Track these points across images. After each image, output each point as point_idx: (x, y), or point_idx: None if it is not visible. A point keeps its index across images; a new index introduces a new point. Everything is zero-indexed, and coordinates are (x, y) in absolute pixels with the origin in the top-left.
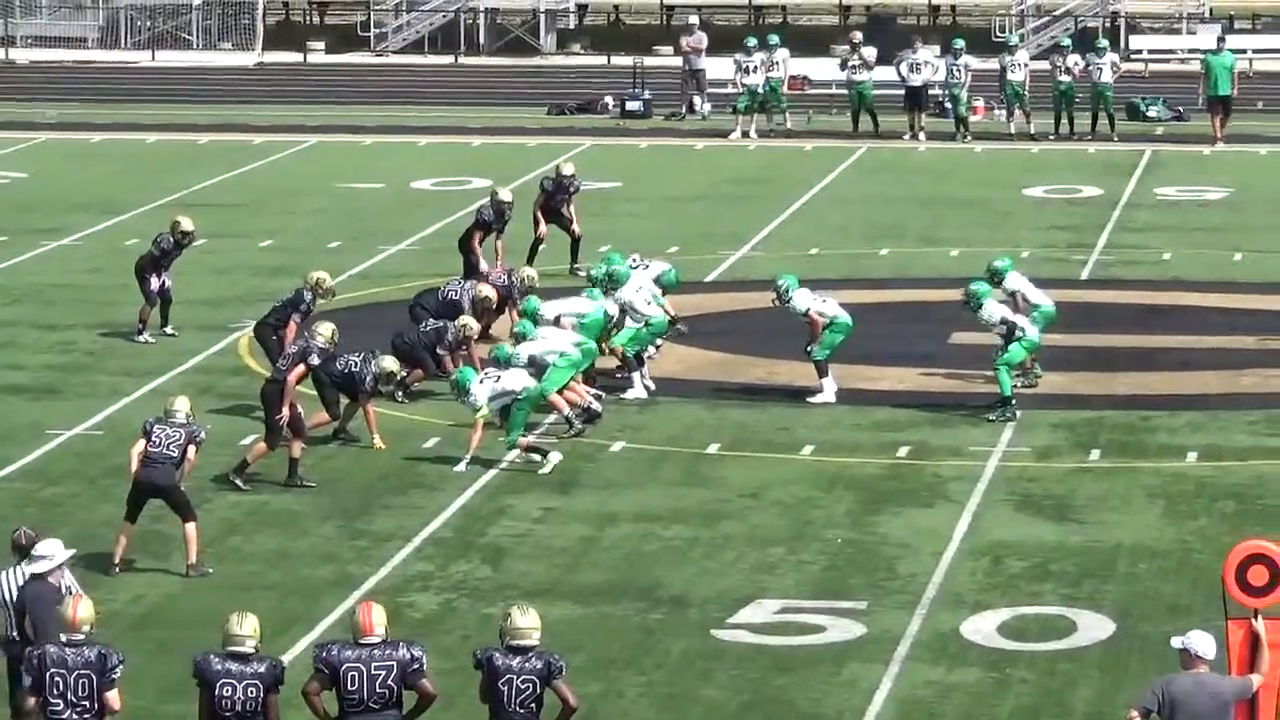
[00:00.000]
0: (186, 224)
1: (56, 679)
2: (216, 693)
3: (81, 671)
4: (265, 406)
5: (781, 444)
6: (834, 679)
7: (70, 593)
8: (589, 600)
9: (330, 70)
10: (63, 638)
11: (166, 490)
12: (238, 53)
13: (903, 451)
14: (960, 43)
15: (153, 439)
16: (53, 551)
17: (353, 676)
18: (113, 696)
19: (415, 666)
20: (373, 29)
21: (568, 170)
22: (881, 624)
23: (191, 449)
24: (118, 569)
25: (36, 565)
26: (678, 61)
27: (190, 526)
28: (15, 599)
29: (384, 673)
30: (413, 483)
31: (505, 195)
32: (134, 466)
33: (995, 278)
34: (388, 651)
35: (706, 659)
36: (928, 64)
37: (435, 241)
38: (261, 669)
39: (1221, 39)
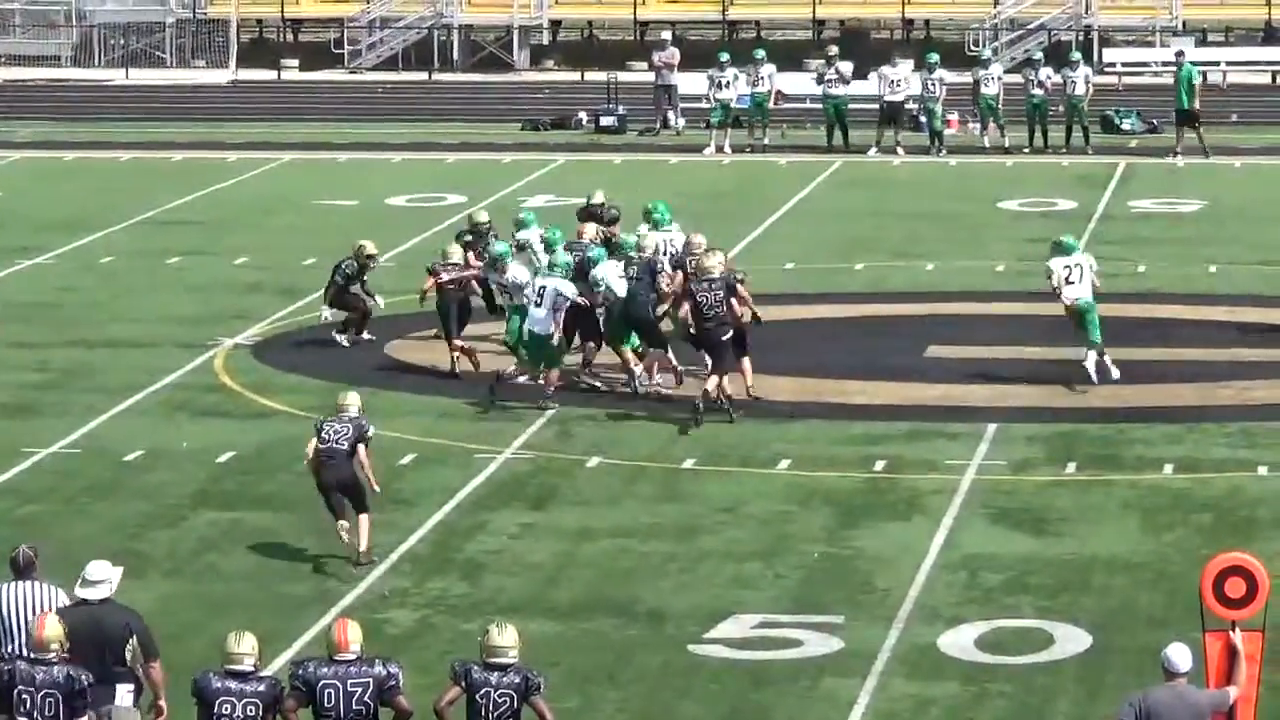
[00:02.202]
0: (370, 247)
1: (24, 696)
2: (216, 710)
3: (49, 691)
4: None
5: (758, 459)
6: (811, 693)
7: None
8: (566, 616)
9: (304, 87)
10: (30, 654)
11: (346, 484)
12: (212, 70)
13: (879, 465)
14: (934, 57)
15: (323, 436)
16: (109, 575)
17: (329, 693)
18: None
19: (391, 683)
20: (346, 46)
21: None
22: (859, 638)
23: (361, 447)
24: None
25: (95, 590)
26: (651, 77)
27: (364, 518)
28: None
29: (360, 689)
30: (388, 499)
31: (370, 248)
32: (314, 466)
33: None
34: (364, 668)
35: (683, 674)
36: (906, 79)
37: (410, 258)
38: (261, 688)
39: (1180, 53)
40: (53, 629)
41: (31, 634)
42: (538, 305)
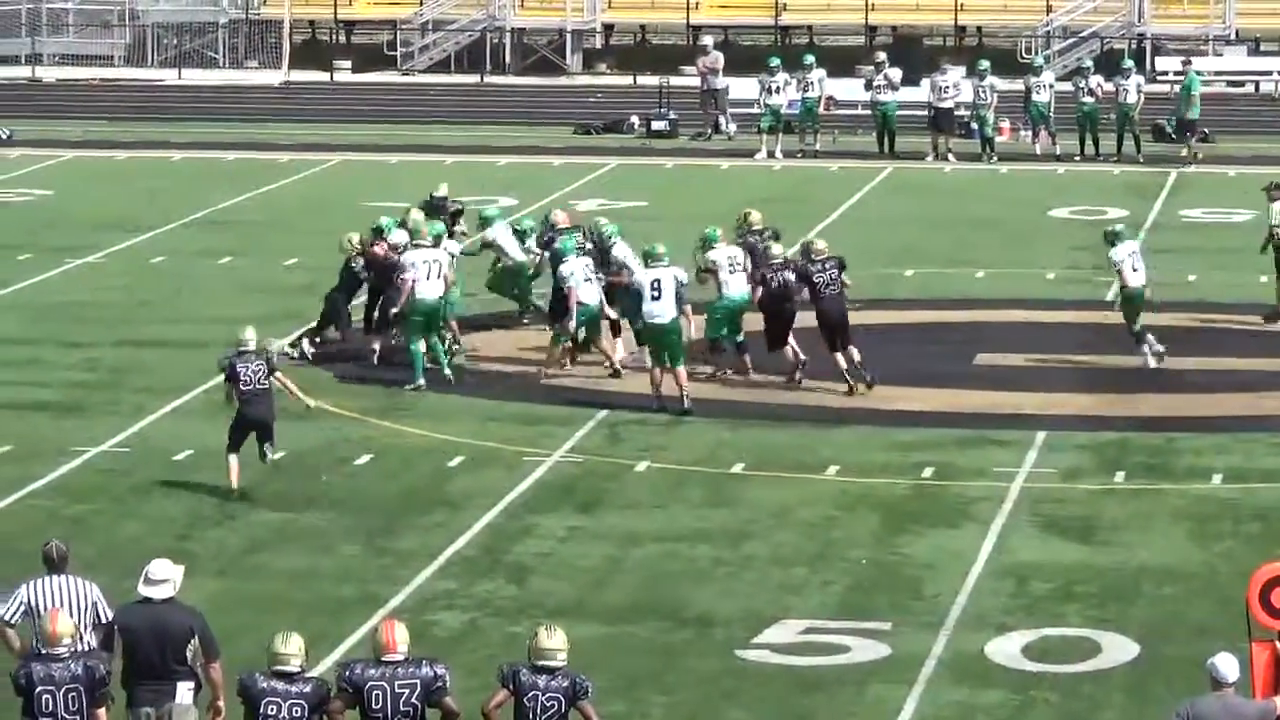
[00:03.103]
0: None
1: (45, 697)
2: (261, 711)
3: (70, 686)
4: None
5: (806, 464)
6: (858, 700)
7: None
8: (613, 620)
9: (356, 89)
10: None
11: (266, 421)
12: (264, 71)
13: (927, 472)
14: (985, 64)
15: (244, 378)
16: (171, 574)
17: (377, 695)
18: (102, 714)
19: (439, 685)
20: (399, 48)
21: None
22: (906, 645)
23: (277, 375)
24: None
25: (158, 589)
26: (698, 82)
27: (268, 446)
28: (148, 624)
29: (407, 691)
30: (438, 501)
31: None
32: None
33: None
34: (411, 670)
35: (731, 679)
36: (956, 86)
37: (461, 261)
38: (307, 689)
39: (1186, 61)
40: (64, 624)
41: (45, 629)
42: (656, 298)
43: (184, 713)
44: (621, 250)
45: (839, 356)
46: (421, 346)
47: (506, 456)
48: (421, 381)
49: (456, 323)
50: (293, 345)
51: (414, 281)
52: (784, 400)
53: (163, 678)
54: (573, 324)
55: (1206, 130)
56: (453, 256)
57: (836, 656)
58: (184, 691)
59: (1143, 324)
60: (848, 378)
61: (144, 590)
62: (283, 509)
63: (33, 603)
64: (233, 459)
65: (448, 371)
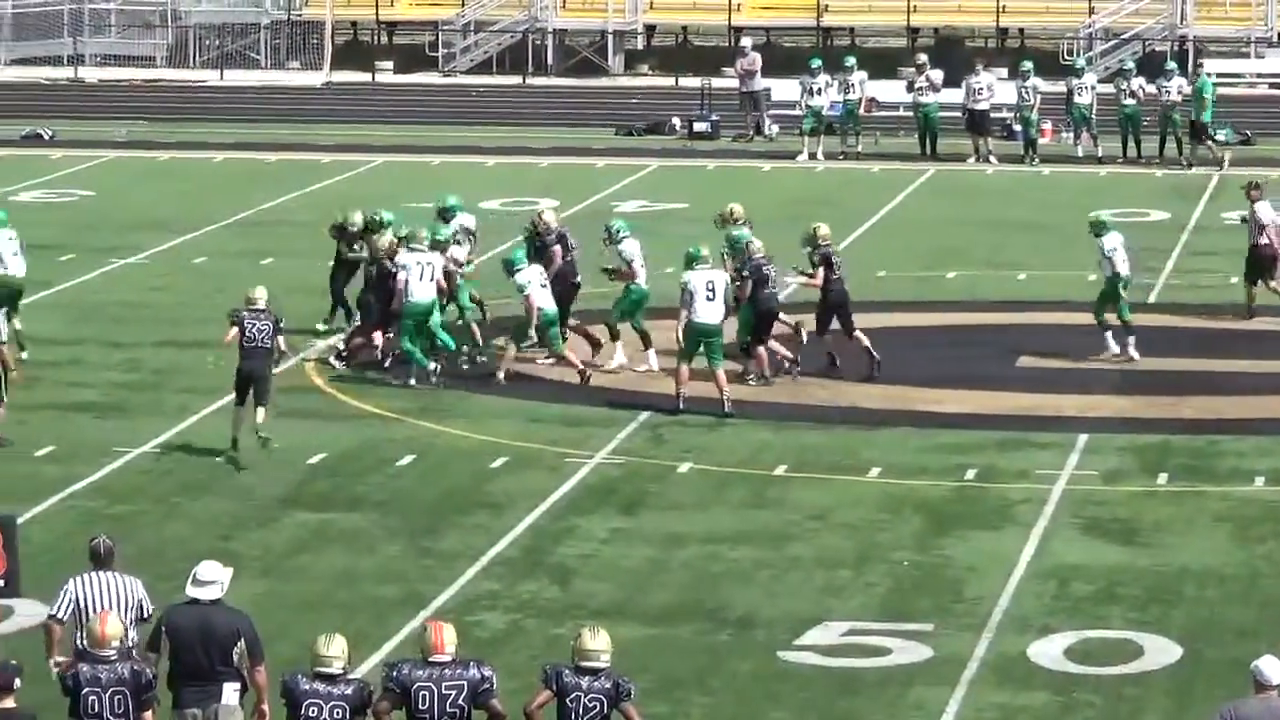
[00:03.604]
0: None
1: (91, 698)
2: (302, 712)
3: (116, 689)
4: None
5: (848, 466)
6: (900, 701)
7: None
8: (656, 621)
9: (398, 90)
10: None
11: (262, 376)
12: (306, 72)
13: (970, 474)
14: (1028, 65)
15: (248, 333)
16: (219, 575)
17: (423, 696)
18: (148, 717)
19: (485, 686)
20: (441, 49)
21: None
22: (948, 646)
23: (280, 339)
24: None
25: (206, 590)
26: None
27: (261, 410)
28: (187, 626)
29: (454, 692)
30: (480, 502)
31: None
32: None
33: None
34: (458, 671)
35: (773, 680)
36: (990, 88)
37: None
38: (349, 691)
39: (1199, 64)
40: (113, 626)
41: (93, 631)
42: (711, 299)
43: (229, 714)
44: (630, 247)
45: (858, 336)
46: (413, 344)
47: (549, 458)
48: (432, 364)
49: (476, 326)
50: (339, 357)
51: (406, 283)
52: (826, 402)
53: (209, 679)
54: (532, 330)
55: (1249, 132)
56: (459, 264)
57: (878, 658)
58: (230, 693)
59: (1128, 316)
60: (872, 355)
61: (192, 591)
62: (325, 510)
63: (82, 599)
64: (238, 410)
65: (433, 366)
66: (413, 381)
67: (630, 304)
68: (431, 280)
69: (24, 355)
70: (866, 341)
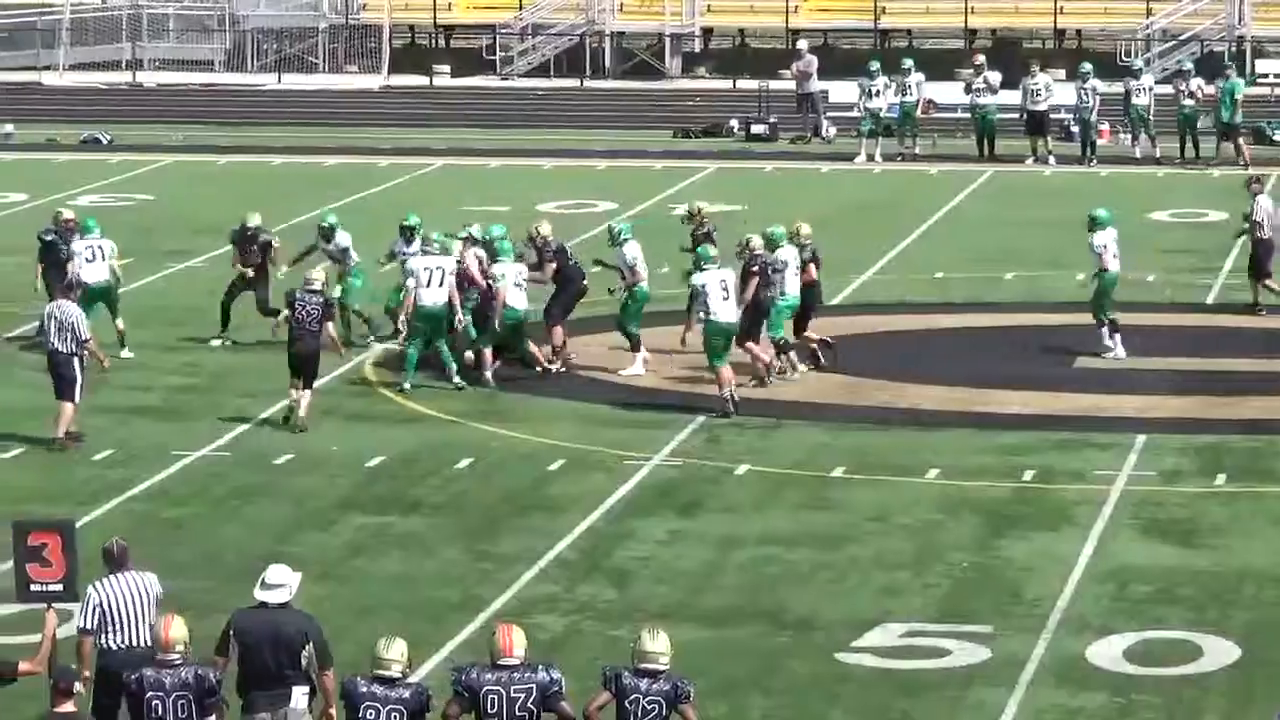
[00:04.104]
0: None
1: (155, 702)
2: (360, 715)
3: (180, 693)
4: None
5: (906, 467)
6: (959, 703)
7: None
8: (714, 623)
9: (456, 93)
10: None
11: (310, 358)
12: (364, 76)
13: (1028, 475)
14: (1087, 67)
15: (298, 315)
16: (288, 579)
17: (493, 699)
18: None
19: (554, 689)
20: (499, 52)
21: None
22: (1007, 648)
23: (329, 325)
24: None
25: (274, 594)
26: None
27: (308, 392)
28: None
29: (523, 695)
30: (538, 505)
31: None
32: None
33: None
34: (527, 674)
35: (831, 682)
36: (1048, 88)
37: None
38: (406, 694)
39: (1228, 67)
40: (178, 630)
41: (157, 635)
42: (726, 298)
43: (298, 717)
44: (632, 250)
45: (808, 335)
46: (416, 352)
47: (606, 460)
48: (407, 385)
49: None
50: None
51: (416, 288)
52: (884, 404)
53: (277, 683)
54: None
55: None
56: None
57: (937, 660)
58: (299, 696)
59: (1114, 314)
60: (822, 356)
61: (260, 595)
62: (383, 513)
63: (106, 604)
64: (292, 390)
65: (458, 380)
66: (458, 380)
67: (638, 308)
68: (441, 285)
69: (126, 354)
70: (815, 338)
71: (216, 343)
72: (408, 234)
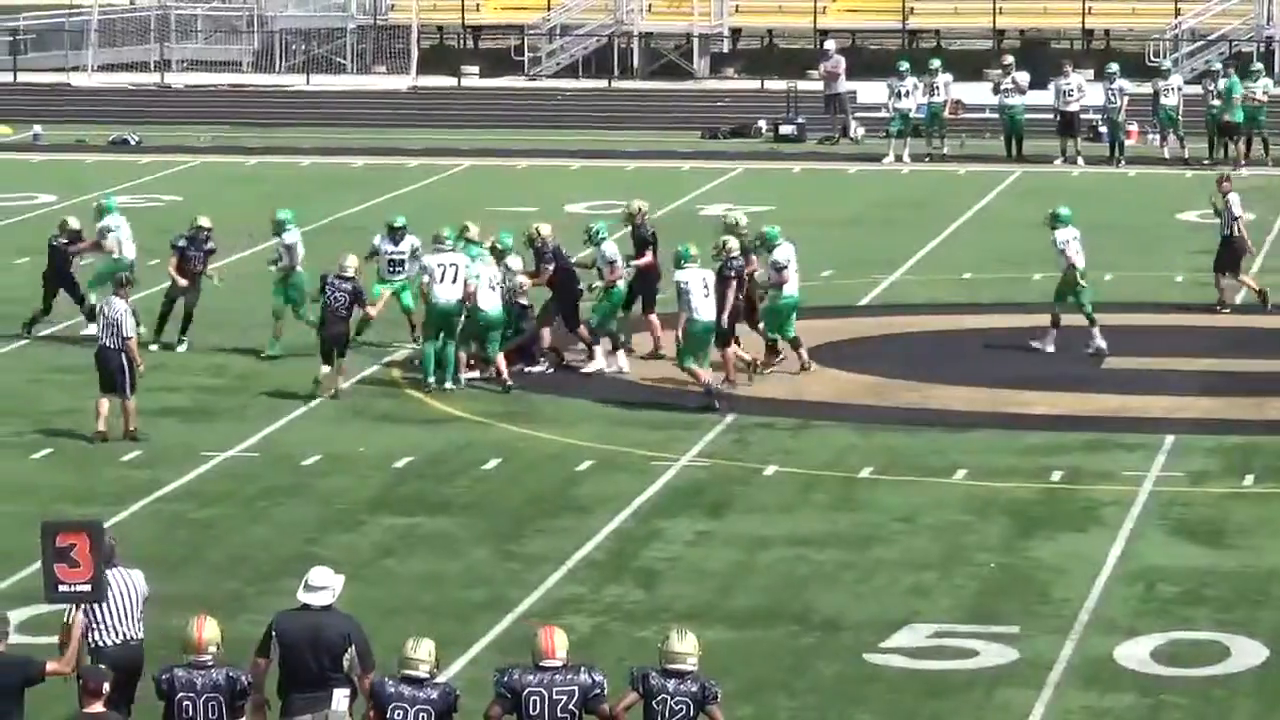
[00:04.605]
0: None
1: (185, 703)
2: (388, 716)
3: (210, 695)
4: None
5: (934, 468)
6: (987, 704)
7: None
8: (741, 624)
9: (484, 94)
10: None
11: (341, 339)
12: (392, 77)
13: (1056, 476)
14: (1115, 67)
15: (329, 300)
16: (331, 582)
17: (534, 700)
18: None
19: (596, 691)
20: (527, 53)
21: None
22: (1034, 649)
23: (355, 308)
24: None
25: (317, 596)
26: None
27: (340, 362)
28: (304, 634)
29: (565, 697)
30: (566, 505)
31: (205, 221)
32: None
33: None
34: (569, 676)
35: (859, 683)
36: (1080, 89)
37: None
38: (434, 695)
39: (1227, 64)
40: (210, 631)
41: (189, 637)
42: (707, 296)
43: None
44: (610, 249)
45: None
46: (432, 348)
47: (634, 461)
48: (432, 380)
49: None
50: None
51: (430, 284)
52: (912, 404)
53: (318, 685)
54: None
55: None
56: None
57: (965, 660)
58: (340, 698)
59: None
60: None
61: (303, 597)
62: (411, 513)
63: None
64: (323, 369)
65: (449, 384)
66: (432, 382)
67: (611, 306)
68: (455, 281)
69: (182, 348)
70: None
71: (155, 347)
72: (395, 234)
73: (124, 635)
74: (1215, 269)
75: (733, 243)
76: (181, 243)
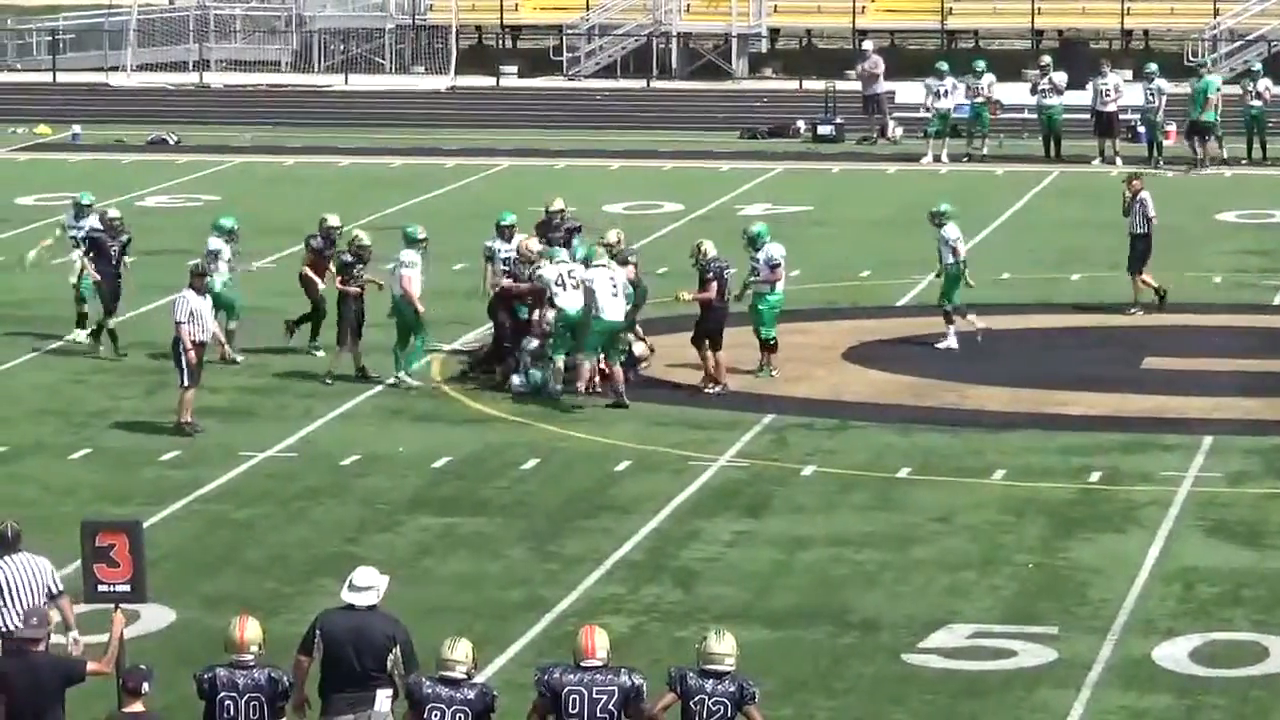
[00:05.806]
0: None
1: (227, 702)
2: (425, 717)
3: (252, 695)
4: None
5: (972, 469)
6: (1025, 704)
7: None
8: (780, 624)
9: (523, 94)
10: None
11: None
12: (431, 76)
13: (1094, 477)
14: (1154, 67)
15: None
16: (375, 582)
17: (574, 700)
18: None
19: (636, 693)
20: (565, 53)
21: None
22: (1073, 649)
23: None
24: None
25: (361, 597)
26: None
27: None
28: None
29: (605, 697)
30: (604, 505)
31: (334, 220)
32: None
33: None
34: (610, 677)
35: (897, 683)
36: (1117, 89)
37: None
38: (471, 695)
39: (1203, 65)
40: (253, 631)
41: (231, 636)
42: (614, 295)
43: None
44: (776, 250)
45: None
46: (421, 342)
47: (672, 461)
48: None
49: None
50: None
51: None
52: (950, 404)
53: (361, 685)
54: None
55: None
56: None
57: (1003, 661)
58: (382, 699)
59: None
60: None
61: (347, 597)
62: (449, 514)
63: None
64: (347, 351)
65: (401, 376)
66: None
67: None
68: (577, 288)
69: (239, 359)
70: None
71: (83, 336)
72: (504, 232)
73: (18, 621)
74: (1129, 270)
75: (708, 245)
76: (317, 242)
